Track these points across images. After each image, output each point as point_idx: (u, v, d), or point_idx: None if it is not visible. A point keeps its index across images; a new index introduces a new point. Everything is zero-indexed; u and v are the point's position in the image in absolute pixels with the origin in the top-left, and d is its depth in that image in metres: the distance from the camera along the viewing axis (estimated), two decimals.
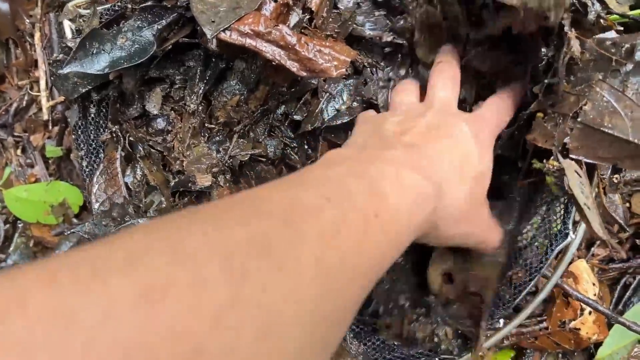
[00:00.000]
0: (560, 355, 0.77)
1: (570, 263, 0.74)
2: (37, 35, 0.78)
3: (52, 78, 0.65)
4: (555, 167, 0.45)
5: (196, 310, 0.21)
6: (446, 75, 0.52)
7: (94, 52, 0.52)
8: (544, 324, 0.75)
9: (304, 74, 0.52)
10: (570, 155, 0.45)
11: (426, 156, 0.42)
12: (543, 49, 0.47)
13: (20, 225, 0.80)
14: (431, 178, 0.41)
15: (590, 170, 0.45)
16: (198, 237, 0.25)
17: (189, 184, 0.58)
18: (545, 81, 0.45)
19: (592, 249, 0.79)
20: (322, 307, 0.27)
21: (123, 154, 0.59)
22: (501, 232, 0.52)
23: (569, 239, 0.51)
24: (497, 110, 0.51)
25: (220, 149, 0.62)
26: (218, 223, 0.26)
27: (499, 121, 0.51)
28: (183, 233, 0.25)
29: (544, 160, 0.45)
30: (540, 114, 0.48)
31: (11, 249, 0.80)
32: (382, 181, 0.37)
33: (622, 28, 0.45)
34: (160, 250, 0.23)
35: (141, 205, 0.58)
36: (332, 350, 0.30)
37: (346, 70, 0.54)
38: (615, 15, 0.47)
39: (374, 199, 0.35)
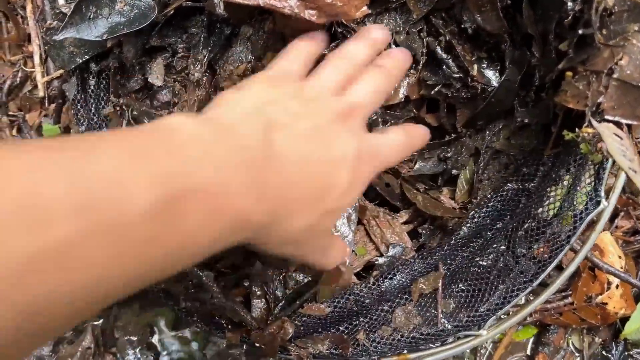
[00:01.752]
0: (585, 331, 0.76)
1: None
2: (29, 7, 0.76)
3: (46, 47, 0.63)
4: (590, 134, 0.43)
5: None
6: (381, 77, 0.46)
7: (91, 16, 0.50)
8: (569, 299, 0.74)
9: (324, 20, 0.50)
10: (606, 117, 0.43)
11: (279, 174, 0.36)
12: (570, 3, 0.45)
13: None
14: (268, 207, 0.35)
15: (628, 130, 0.44)
16: None
17: None
18: (580, 32, 0.43)
19: (616, 220, 0.78)
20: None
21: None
22: (340, 257, 0.47)
23: (601, 206, 0.49)
24: (397, 147, 0.46)
25: None
26: None
27: (392, 160, 0.46)
28: None
29: (577, 129, 0.43)
30: (569, 73, 0.45)
31: None
32: (191, 202, 0.29)
33: None
34: None
35: None
36: None
37: (367, 8, 0.52)
38: None
39: (158, 225, 0.28)
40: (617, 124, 0.42)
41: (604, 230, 0.76)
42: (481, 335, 0.53)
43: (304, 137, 0.38)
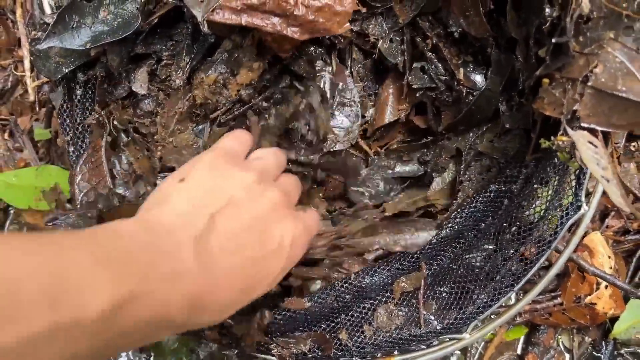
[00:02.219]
0: (574, 331, 0.76)
1: (585, 236, 0.73)
2: (18, 11, 0.77)
3: (32, 58, 0.64)
4: (565, 142, 0.43)
5: None
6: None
7: (74, 25, 0.51)
8: (559, 300, 0.74)
9: (307, 36, 0.51)
10: (582, 124, 0.43)
11: (212, 283, 0.38)
12: (547, 9, 0.45)
13: (12, 212, 0.80)
14: (197, 313, 0.38)
15: (603, 138, 0.44)
16: None
17: None
18: (553, 40, 0.43)
19: (607, 220, 0.78)
20: None
21: (109, 139, 0.58)
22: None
23: (581, 211, 0.50)
24: (317, 220, 0.51)
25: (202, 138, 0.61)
26: None
27: (315, 232, 0.51)
28: None
29: (552, 137, 0.44)
30: (546, 80, 0.46)
31: None
32: (136, 311, 0.32)
33: None
34: None
35: (126, 195, 0.57)
36: None
37: (350, 24, 0.52)
38: None
39: (114, 316, 0.31)
40: (593, 132, 0.43)
41: (593, 230, 0.76)
42: (464, 338, 0.53)
43: (242, 237, 0.41)
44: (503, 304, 0.55)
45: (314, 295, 0.57)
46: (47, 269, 0.28)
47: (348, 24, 0.52)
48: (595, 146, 0.42)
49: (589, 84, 0.42)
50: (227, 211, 0.41)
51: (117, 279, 0.31)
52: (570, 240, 0.52)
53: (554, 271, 0.53)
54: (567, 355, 0.76)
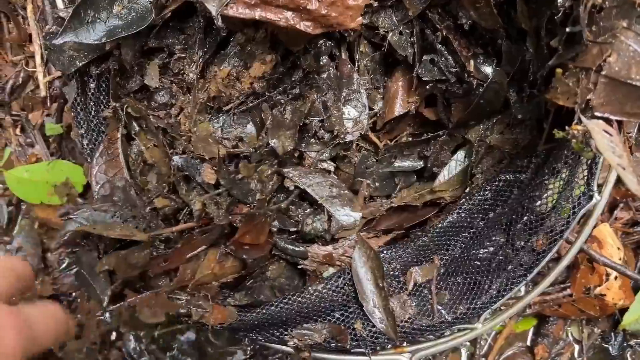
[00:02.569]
0: (584, 322, 0.77)
1: (594, 227, 0.74)
2: (29, 7, 0.77)
3: (46, 52, 0.64)
4: (579, 132, 0.44)
5: None
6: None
7: (89, 20, 0.52)
8: (568, 291, 0.75)
9: (319, 31, 0.52)
10: (595, 113, 0.44)
11: None
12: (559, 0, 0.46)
13: (23, 207, 0.81)
14: None
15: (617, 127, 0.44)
16: None
17: (194, 170, 0.58)
18: (567, 30, 0.44)
19: (615, 212, 0.79)
20: None
21: (125, 132, 0.59)
22: None
23: (594, 200, 0.51)
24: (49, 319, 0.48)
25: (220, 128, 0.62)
26: None
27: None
28: None
29: (566, 127, 0.44)
30: (559, 70, 0.46)
31: (15, 231, 0.80)
32: None
33: None
34: None
35: (146, 188, 0.58)
36: None
37: (363, 18, 0.53)
38: None
39: None
40: (607, 121, 0.43)
41: (602, 222, 0.77)
42: (476, 328, 0.54)
43: None
44: (513, 295, 0.55)
45: (328, 280, 0.58)
46: None
47: (360, 18, 0.53)
48: (610, 135, 0.42)
49: (603, 73, 0.42)
50: None
51: None
52: (581, 231, 0.53)
53: (565, 262, 0.53)
54: (577, 347, 0.77)
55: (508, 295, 0.53)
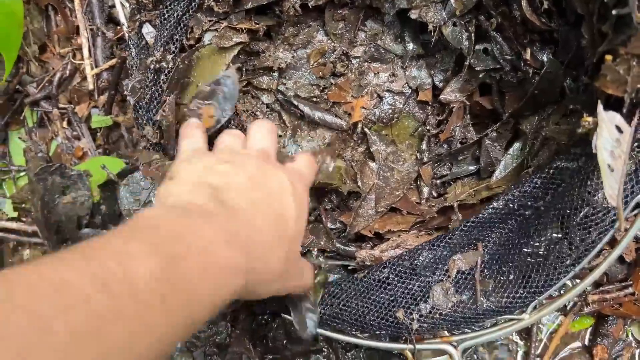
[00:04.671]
0: None
1: None
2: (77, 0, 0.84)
3: None
4: (590, 123, 0.46)
5: None
6: (266, 128, 0.60)
7: None
8: (630, 290, 0.77)
9: None
10: None
11: (245, 224, 0.47)
12: None
13: None
14: (247, 252, 0.45)
15: None
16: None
17: None
18: (613, 12, 0.46)
19: None
20: None
21: None
22: (311, 270, 0.62)
23: None
24: (310, 166, 0.62)
25: None
26: None
27: (311, 178, 0.62)
28: None
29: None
30: (609, 57, 0.48)
31: None
32: (184, 262, 0.38)
33: None
34: None
35: None
36: None
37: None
38: None
39: (164, 284, 0.36)
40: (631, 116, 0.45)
41: None
42: (523, 319, 0.57)
43: (245, 189, 0.50)
44: (564, 288, 0.58)
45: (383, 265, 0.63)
46: (93, 261, 0.34)
47: None
48: (622, 132, 0.44)
49: None
50: (221, 182, 0.50)
51: (153, 249, 0.37)
52: (636, 220, 0.54)
53: (618, 250, 0.55)
54: (637, 348, 0.79)
55: (556, 286, 0.56)
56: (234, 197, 0.48)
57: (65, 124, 0.90)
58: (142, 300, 0.34)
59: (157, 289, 0.35)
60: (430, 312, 0.60)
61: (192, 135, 0.61)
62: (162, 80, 0.66)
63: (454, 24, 0.66)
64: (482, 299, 0.58)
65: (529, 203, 0.61)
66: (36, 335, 0.28)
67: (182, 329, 0.38)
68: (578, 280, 0.61)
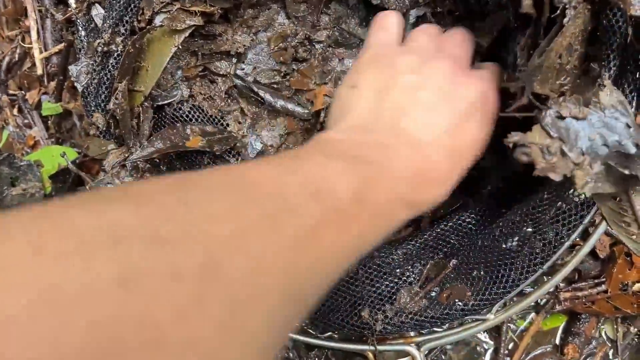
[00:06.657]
0: (619, 320, 0.77)
1: None
2: None
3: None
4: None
5: (163, 303, 0.24)
6: (460, 35, 0.55)
7: None
8: (603, 287, 0.75)
9: None
10: None
11: (422, 160, 0.45)
12: None
13: None
14: (419, 193, 0.45)
15: None
16: (179, 224, 0.27)
17: None
18: None
19: None
20: (286, 309, 0.32)
21: None
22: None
23: None
24: (497, 76, 0.53)
25: None
26: (204, 210, 0.29)
27: (499, 84, 0.53)
28: (166, 214, 0.28)
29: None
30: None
31: None
32: (374, 183, 0.40)
33: None
34: (142, 234, 0.26)
35: None
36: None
37: None
38: None
39: (360, 199, 0.39)
40: None
41: None
42: (488, 319, 0.56)
43: (428, 112, 0.47)
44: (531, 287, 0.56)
45: None
46: (298, 173, 0.37)
47: None
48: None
49: None
50: (405, 98, 0.48)
51: (350, 168, 0.40)
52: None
53: (588, 246, 0.54)
54: (611, 347, 0.77)
55: (523, 285, 0.54)
56: (414, 124, 0.46)
57: (15, 111, 0.86)
58: (344, 218, 0.37)
59: (353, 209, 0.38)
60: (396, 314, 0.58)
61: (387, 27, 0.56)
62: (112, 64, 0.63)
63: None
64: (450, 300, 0.56)
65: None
66: (270, 230, 0.31)
67: (356, 253, 0.40)
68: (548, 277, 0.59)
